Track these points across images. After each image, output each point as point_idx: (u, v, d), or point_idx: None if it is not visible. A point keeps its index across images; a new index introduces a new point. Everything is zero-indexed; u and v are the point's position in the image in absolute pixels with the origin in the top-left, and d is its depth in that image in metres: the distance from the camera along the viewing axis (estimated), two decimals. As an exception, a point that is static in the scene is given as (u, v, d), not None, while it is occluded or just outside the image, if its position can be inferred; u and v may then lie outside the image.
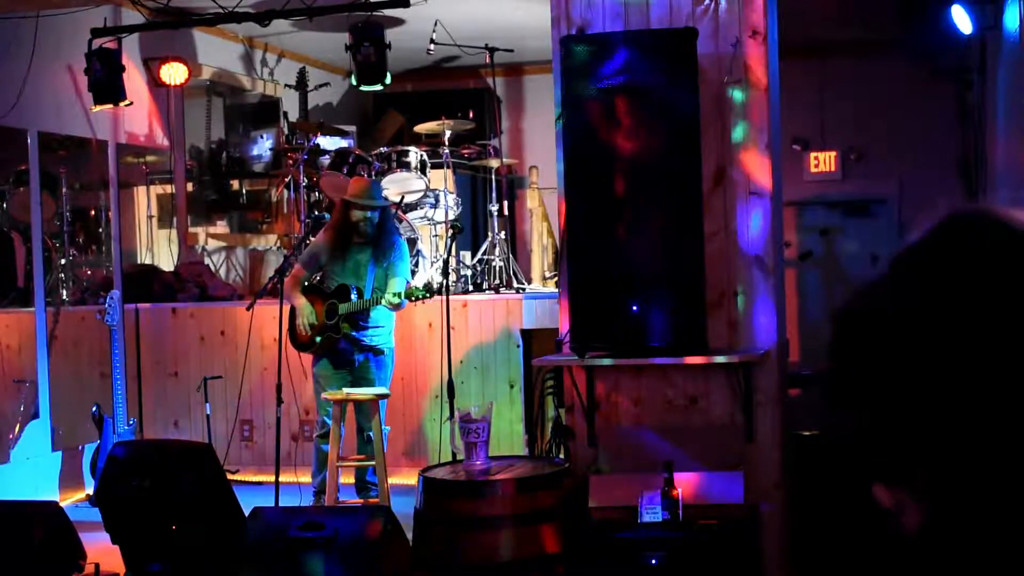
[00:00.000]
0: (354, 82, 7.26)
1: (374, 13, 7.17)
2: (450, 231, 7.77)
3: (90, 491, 7.26)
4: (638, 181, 5.18)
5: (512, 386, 7.72)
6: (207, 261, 9.50)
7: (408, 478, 7.23)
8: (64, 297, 8.00)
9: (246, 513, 5.04)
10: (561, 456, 5.69)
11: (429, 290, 6.60)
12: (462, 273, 8.58)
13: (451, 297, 6.79)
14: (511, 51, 9.70)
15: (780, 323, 5.47)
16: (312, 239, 6.80)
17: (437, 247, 8.86)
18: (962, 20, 7.10)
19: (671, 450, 5.15)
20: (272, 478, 6.34)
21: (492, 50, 9.45)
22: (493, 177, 9.25)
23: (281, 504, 6.20)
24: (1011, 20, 6.72)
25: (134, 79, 8.33)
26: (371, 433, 6.59)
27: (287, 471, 6.66)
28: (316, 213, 8.52)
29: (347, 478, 6.96)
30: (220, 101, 10.02)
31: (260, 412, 7.84)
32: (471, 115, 10.16)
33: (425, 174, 8.80)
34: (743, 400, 5.28)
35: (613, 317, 5.19)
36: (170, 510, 5.15)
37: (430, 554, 4.91)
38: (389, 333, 6.84)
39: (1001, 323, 1.13)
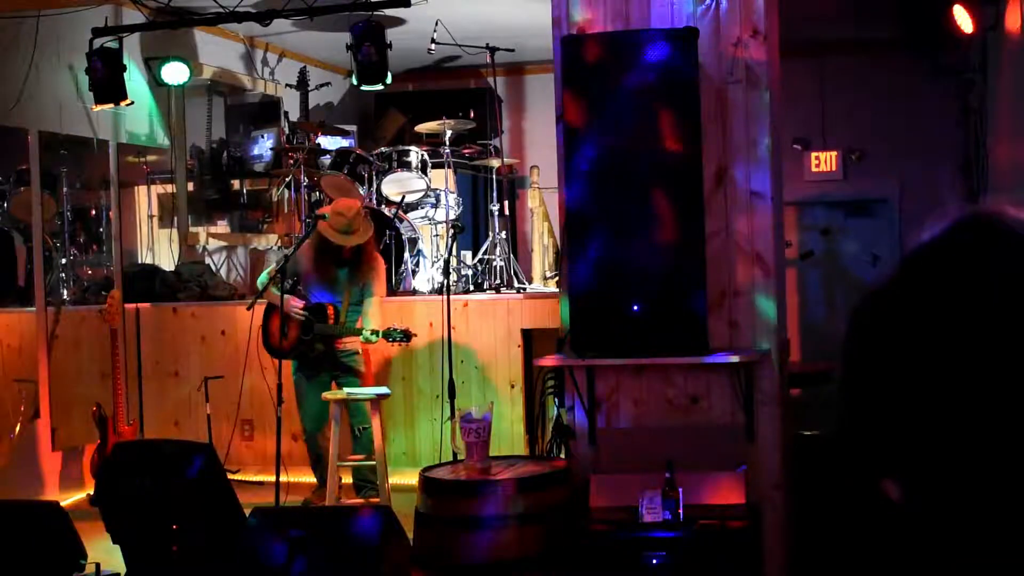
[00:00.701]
0: (355, 82, 7.26)
1: (375, 13, 7.17)
2: (451, 231, 7.78)
3: (90, 491, 7.26)
4: (639, 181, 5.18)
5: (513, 386, 7.72)
6: (208, 261, 9.50)
7: (408, 478, 7.23)
8: (65, 297, 8.00)
9: (246, 513, 5.04)
10: (562, 456, 5.69)
11: (407, 336, 6.62)
12: (463, 273, 8.58)
13: (451, 297, 6.80)
14: (512, 51, 9.70)
15: (781, 323, 5.47)
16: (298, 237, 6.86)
17: (438, 247, 8.87)
18: (963, 20, 7.10)
19: (672, 450, 5.15)
20: (273, 477, 6.33)
21: (493, 50, 9.45)
22: (494, 177, 9.25)
23: (281, 504, 6.20)
24: (1012, 20, 6.71)
25: (135, 79, 8.34)
26: (365, 427, 6.64)
27: (287, 471, 6.66)
28: (316, 213, 8.51)
29: (347, 478, 6.97)
30: (221, 101, 10.02)
31: (260, 412, 7.83)
32: (472, 115, 10.16)
33: (426, 174, 8.80)
34: (744, 400, 5.28)
35: (614, 317, 5.19)
36: (170, 510, 5.14)
37: (431, 554, 4.91)
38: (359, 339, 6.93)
39: (1015, 324, 1.13)
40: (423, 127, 9.35)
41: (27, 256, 7.61)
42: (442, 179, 8.90)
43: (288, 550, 4.70)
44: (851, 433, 1.25)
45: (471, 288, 8.49)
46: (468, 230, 9.68)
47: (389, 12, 7.61)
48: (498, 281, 8.59)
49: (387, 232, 8.17)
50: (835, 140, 10.50)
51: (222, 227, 10.09)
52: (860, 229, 10.62)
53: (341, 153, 8.76)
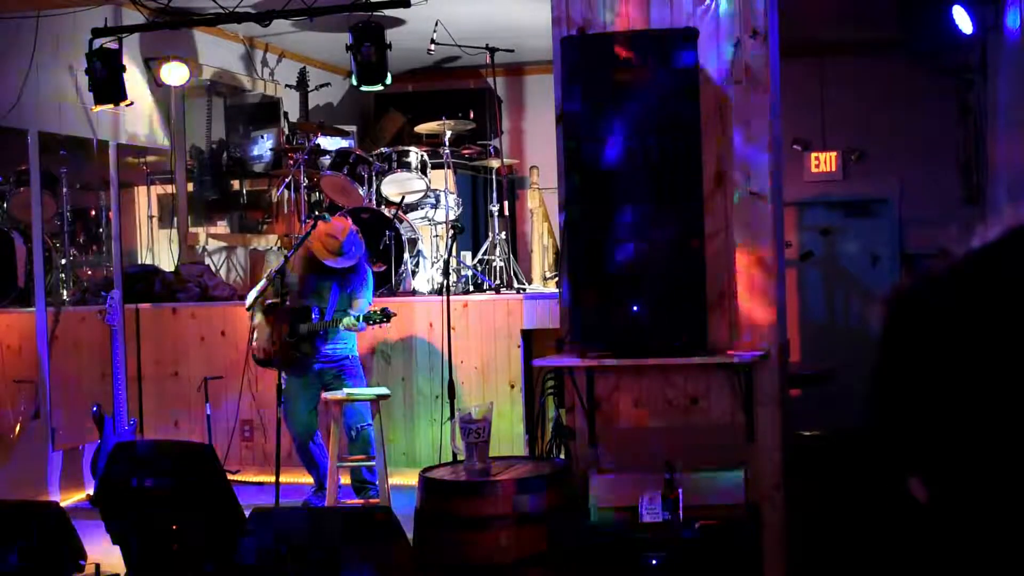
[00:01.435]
0: (355, 82, 7.26)
1: (375, 13, 7.16)
2: (451, 231, 7.79)
3: (90, 491, 7.26)
4: (639, 181, 5.18)
5: (512, 386, 7.72)
6: (207, 261, 9.50)
7: (408, 478, 7.23)
8: (64, 297, 7.99)
9: (246, 513, 5.04)
10: (562, 456, 5.69)
11: (387, 315, 6.63)
12: (463, 273, 8.58)
13: (451, 297, 6.80)
14: (512, 51, 9.70)
15: (781, 323, 5.47)
16: (287, 254, 6.88)
17: (438, 247, 8.87)
18: (963, 20, 7.10)
19: (672, 450, 5.15)
20: (272, 478, 6.34)
21: (493, 50, 9.45)
22: (494, 177, 9.25)
23: (281, 504, 6.20)
24: (1012, 20, 6.71)
25: (135, 79, 8.34)
26: (360, 427, 6.65)
27: (287, 471, 6.66)
28: (316, 213, 8.51)
29: (346, 478, 6.98)
30: (221, 101, 10.02)
31: (260, 412, 7.83)
32: (472, 115, 10.16)
33: (426, 174, 8.80)
34: (744, 400, 5.28)
35: (614, 317, 5.19)
36: (170, 510, 5.14)
37: (431, 554, 4.91)
38: (352, 347, 6.93)
39: None
40: (423, 127, 9.35)
41: (27, 256, 7.61)
42: (442, 180, 8.90)
43: (287, 551, 4.70)
44: (882, 431, 1.25)
45: (471, 289, 8.49)
46: (468, 231, 9.68)
47: (389, 13, 7.60)
48: (498, 281, 8.59)
49: (387, 233, 8.17)
50: (835, 140, 10.49)
51: (222, 227, 10.09)
52: (860, 229, 10.61)
53: (341, 153, 8.76)
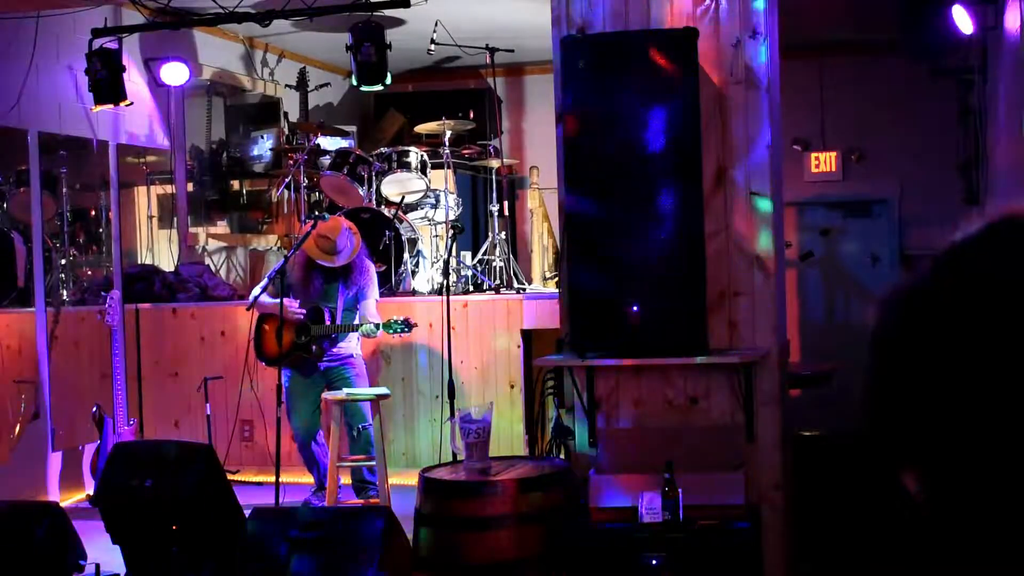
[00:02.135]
0: (354, 82, 7.26)
1: (375, 13, 7.16)
2: (450, 231, 7.79)
3: (90, 491, 7.26)
4: (639, 181, 5.18)
5: (512, 386, 7.72)
6: (207, 261, 9.50)
7: (408, 478, 7.24)
8: (64, 297, 7.99)
9: (246, 513, 5.04)
10: (561, 456, 5.69)
11: (408, 325, 6.67)
12: (463, 273, 8.58)
13: (451, 297, 6.80)
14: (511, 51, 9.71)
15: (780, 323, 5.47)
16: (287, 254, 6.88)
17: (437, 247, 8.87)
18: (963, 20, 7.10)
19: (671, 450, 5.15)
20: (272, 478, 6.34)
21: (492, 50, 9.45)
22: (493, 177, 9.25)
23: (281, 504, 6.20)
24: (1012, 20, 6.71)
25: (134, 79, 8.34)
26: (362, 427, 6.66)
27: (287, 471, 6.66)
28: (316, 213, 8.52)
29: (347, 478, 6.98)
30: (220, 101, 10.02)
31: (260, 412, 7.83)
32: (471, 115, 10.16)
33: (425, 174, 8.80)
34: (743, 400, 5.28)
35: (614, 317, 5.19)
36: (170, 510, 5.14)
37: (430, 554, 4.91)
38: (356, 344, 6.96)
39: None
40: (423, 128, 9.35)
41: (27, 256, 7.61)
42: (442, 180, 8.90)
43: (287, 551, 4.70)
44: (879, 426, 1.25)
45: (471, 289, 8.49)
46: (468, 231, 9.68)
47: (389, 13, 7.60)
48: (498, 281, 8.59)
49: (387, 233, 8.17)
50: (835, 141, 10.50)
51: (222, 228, 10.09)
52: (860, 230, 10.62)
53: (341, 154, 8.76)
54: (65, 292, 8.03)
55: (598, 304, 5.22)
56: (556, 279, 8.11)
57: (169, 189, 9.31)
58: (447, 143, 8.93)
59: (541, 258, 10.00)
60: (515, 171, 10.63)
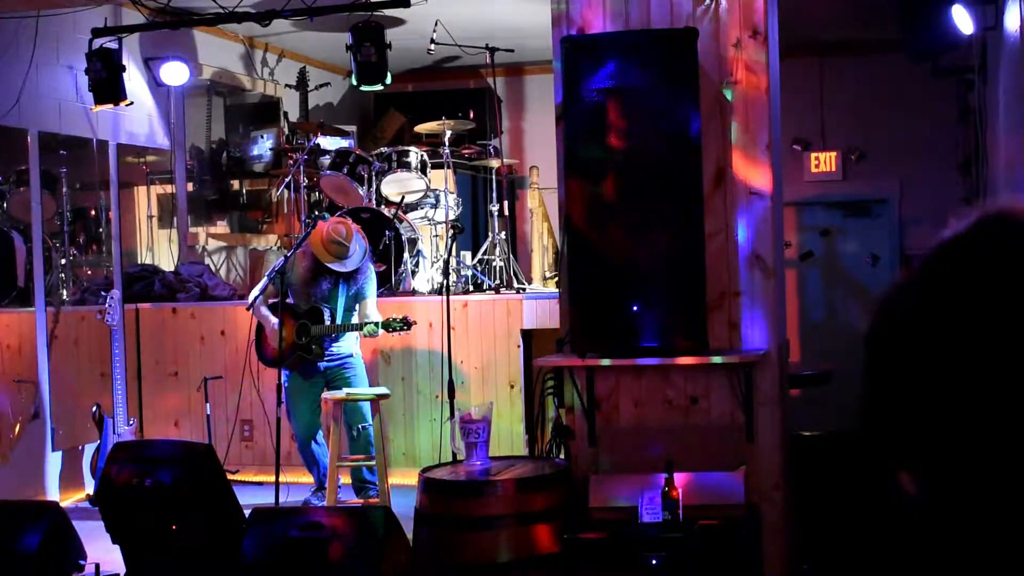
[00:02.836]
0: (354, 82, 7.26)
1: (375, 13, 7.16)
2: (450, 231, 7.79)
3: (90, 491, 7.26)
4: (639, 181, 5.17)
5: (512, 386, 7.72)
6: (207, 261, 9.50)
7: (408, 478, 7.23)
8: (64, 297, 7.99)
9: (246, 513, 5.04)
10: (561, 456, 5.69)
11: (407, 323, 6.68)
12: (463, 273, 8.58)
13: (451, 297, 6.81)
14: (511, 51, 9.70)
15: (780, 323, 5.47)
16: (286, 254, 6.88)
17: (437, 247, 8.87)
18: (963, 20, 7.09)
19: (671, 450, 5.15)
20: (272, 478, 6.34)
21: (492, 50, 9.45)
22: (493, 177, 9.25)
23: (281, 504, 6.20)
24: (1012, 20, 6.71)
25: (134, 79, 8.34)
26: (362, 427, 6.67)
27: (287, 471, 6.66)
28: (316, 213, 8.52)
29: (346, 478, 6.98)
30: (220, 101, 10.02)
31: (260, 412, 7.83)
32: (471, 115, 10.16)
33: (425, 174, 8.80)
34: (743, 400, 5.28)
35: (614, 317, 5.19)
36: (170, 510, 5.14)
37: (430, 554, 4.91)
38: (355, 343, 6.96)
39: None
40: (423, 127, 9.35)
41: (27, 256, 7.61)
42: (442, 179, 8.90)
43: (287, 551, 4.70)
44: (871, 426, 1.25)
45: (470, 288, 8.49)
46: (468, 230, 9.68)
47: (389, 12, 7.60)
48: (498, 281, 8.59)
49: (387, 232, 8.17)
50: (835, 140, 10.50)
51: (222, 227, 10.09)
52: (860, 229, 10.62)
53: (341, 153, 8.76)
54: (65, 292, 8.03)
55: (598, 304, 5.22)
56: (556, 279, 8.11)
57: (169, 189, 9.31)
58: (447, 143, 8.93)
59: (541, 258, 10.00)
60: (515, 171, 10.63)
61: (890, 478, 1.24)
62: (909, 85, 9.87)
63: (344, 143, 9.38)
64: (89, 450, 7.44)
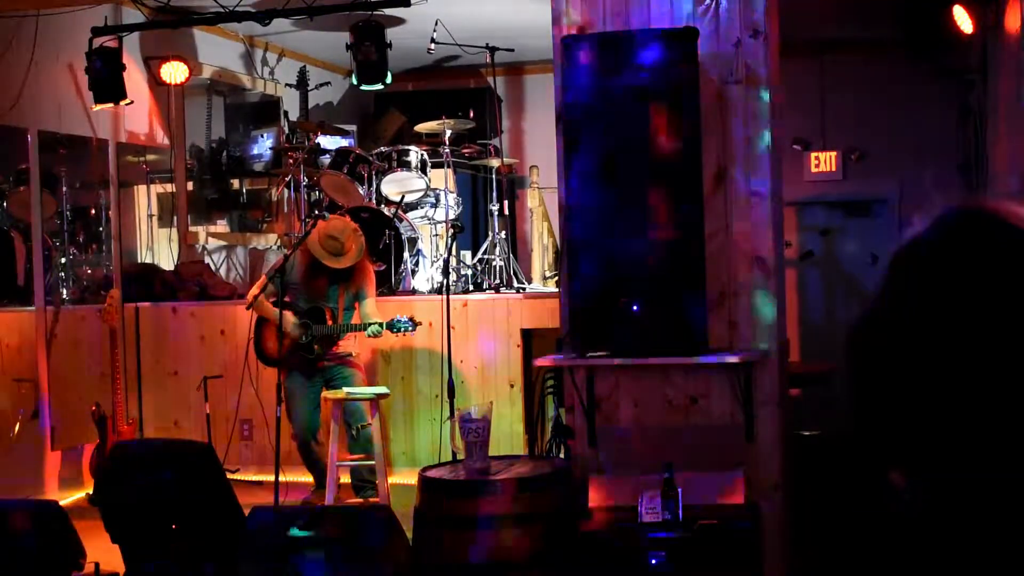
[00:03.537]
0: (355, 81, 7.26)
1: (375, 12, 7.16)
2: (450, 230, 7.79)
3: (90, 490, 7.26)
4: (639, 181, 5.17)
5: (512, 386, 7.71)
6: (207, 260, 9.50)
7: (408, 477, 7.23)
8: (64, 296, 7.99)
9: (246, 513, 5.04)
10: (561, 456, 5.69)
11: (413, 323, 6.68)
12: (462, 273, 8.58)
13: (451, 297, 6.81)
14: (512, 50, 9.70)
15: (780, 323, 5.47)
16: (286, 252, 6.89)
17: (437, 247, 8.87)
18: (963, 20, 7.10)
19: (671, 450, 5.15)
20: (272, 477, 6.34)
21: (493, 49, 9.45)
22: (493, 176, 9.25)
23: (281, 503, 6.20)
24: (1012, 20, 6.71)
25: (134, 78, 8.33)
26: (362, 426, 6.67)
27: (287, 470, 6.66)
28: (316, 212, 8.52)
29: (346, 477, 6.98)
30: (220, 100, 10.02)
31: (260, 411, 7.83)
32: (471, 114, 10.15)
33: (425, 173, 8.80)
34: (743, 400, 5.28)
35: (613, 317, 5.18)
36: (170, 510, 5.14)
37: (430, 554, 4.91)
38: (353, 342, 6.96)
39: (1000, 319, 1.14)
40: (423, 127, 9.35)
41: (27, 255, 7.61)
42: (442, 179, 8.90)
43: (287, 550, 4.70)
44: (860, 428, 1.26)
45: (470, 288, 8.49)
46: (468, 230, 9.68)
47: (389, 12, 7.60)
48: (498, 281, 8.58)
49: (387, 232, 8.17)
50: (835, 140, 10.50)
51: (221, 226, 10.09)
52: (860, 229, 10.62)
53: (341, 153, 8.76)
54: (65, 291, 8.03)
55: (598, 303, 5.22)
56: (556, 278, 8.12)
57: (169, 188, 9.31)
58: (447, 142, 8.93)
59: (541, 257, 10.00)
60: (515, 170, 10.62)
61: (883, 477, 1.24)
62: (909, 85, 9.86)
63: (344, 142, 9.38)
64: (89, 449, 7.44)
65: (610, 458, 5.37)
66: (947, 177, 9.34)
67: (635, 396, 5.44)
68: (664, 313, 5.15)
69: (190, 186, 9.56)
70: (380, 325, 6.66)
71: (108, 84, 7.34)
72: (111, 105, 7.48)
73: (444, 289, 6.88)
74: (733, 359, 5.20)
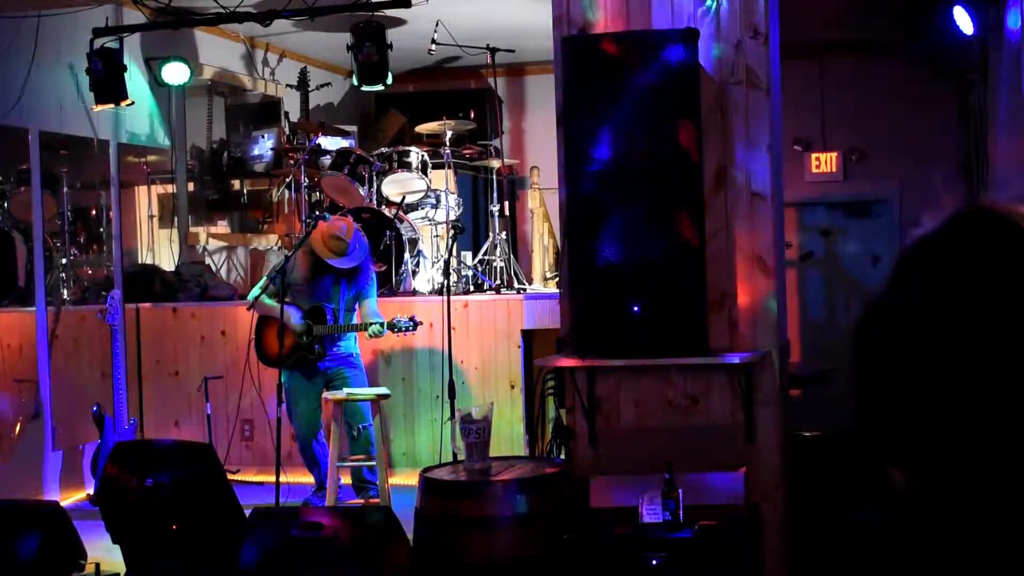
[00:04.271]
0: (355, 82, 7.27)
1: (376, 13, 7.17)
2: (451, 231, 7.79)
3: (91, 491, 7.26)
4: (639, 181, 5.17)
5: (513, 386, 7.72)
6: (208, 261, 9.51)
7: (408, 478, 7.24)
8: (65, 296, 8.00)
9: (247, 513, 5.04)
10: (562, 457, 5.69)
11: (415, 323, 6.69)
12: (463, 274, 8.58)
13: (452, 297, 6.81)
14: (512, 51, 9.71)
15: (781, 324, 5.47)
16: (287, 253, 6.89)
17: (438, 247, 8.87)
18: (963, 21, 7.10)
19: (672, 451, 5.14)
20: (272, 478, 6.34)
21: (493, 50, 9.45)
22: (494, 177, 9.25)
23: (282, 504, 6.20)
24: (1013, 21, 6.71)
25: (135, 79, 8.34)
26: (362, 427, 6.67)
27: (288, 471, 6.67)
28: (317, 213, 8.51)
29: (347, 478, 6.98)
30: (221, 101, 10.02)
31: (260, 412, 7.84)
32: (472, 115, 10.17)
33: (426, 174, 8.80)
34: (744, 400, 5.28)
35: (614, 317, 5.18)
36: (170, 510, 5.14)
37: (431, 554, 4.91)
38: (354, 344, 6.96)
39: (1005, 319, 1.14)
40: (423, 128, 9.35)
41: (27, 256, 7.61)
42: (442, 180, 8.90)
43: (288, 551, 4.70)
44: (862, 423, 1.26)
45: (471, 289, 8.49)
46: (468, 231, 9.68)
47: (390, 13, 7.60)
48: (498, 282, 8.59)
49: (387, 233, 8.17)
50: (835, 141, 10.49)
51: (222, 227, 10.09)
52: (860, 230, 10.61)
53: (341, 153, 8.76)
54: (66, 291, 8.03)
55: (598, 304, 5.22)
56: (556, 279, 8.11)
57: (170, 188, 9.32)
58: (448, 143, 8.93)
59: (541, 258, 10.00)
60: (515, 171, 10.63)
61: (882, 475, 1.25)
62: (910, 86, 9.86)
63: (345, 143, 9.38)
64: (89, 450, 7.44)
65: (611, 459, 5.37)
66: (948, 177, 9.34)
67: (636, 397, 5.44)
68: (665, 314, 5.15)
69: (191, 187, 9.56)
70: (381, 325, 6.66)
71: (109, 85, 7.34)
72: (112, 106, 7.49)
73: (445, 290, 6.88)
74: (734, 360, 5.20)
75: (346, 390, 6.73)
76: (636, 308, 5.14)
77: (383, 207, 8.55)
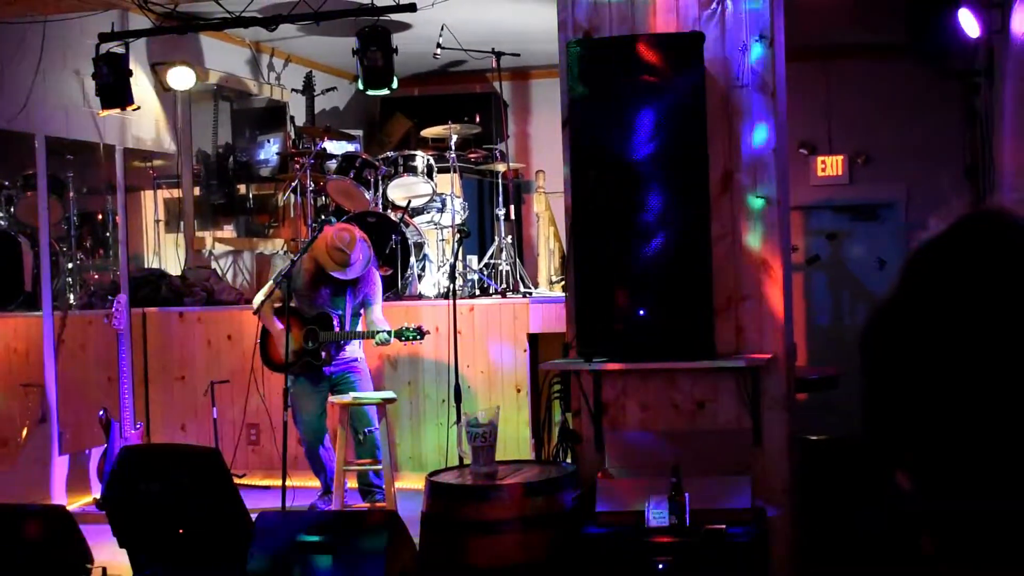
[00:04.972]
0: (361, 86, 7.26)
1: (381, 17, 7.17)
2: (457, 235, 7.80)
3: (97, 495, 7.26)
4: (645, 185, 5.17)
5: (519, 390, 7.71)
6: (214, 265, 9.52)
7: (415, 482, 7.24)
8: (71, 301, 8.01)
9: (253, 517, 5.04)
10: (568, 460, 5.69)
11: (421, 332, 6.68)
12: (468, 277, 8.58)
13: (457, 301, 6.81)
14: (518, 55, 9.71)
15: (787, 327, 5.46)
16: (293, 258, 6.89)
17: (444, 251, 8.87)
18: (969, 23, 7.09)
19: (678, 454, 5.14)
20: (279, 482, 6.34)
21: (499, 54, 9.46)
22: (500, 181, 9.26)
23: (288, 508, 6.21)
24: (1019, 23, 6.70)
25: (141, 84, 8.35)
26: (368, 431, 6.67)
27: (294, 475, 6.67)
28: (323, 217, 8.52)
29: (353, 482, 6.98)
30: (227, 105, 10.04)
31: (267, 416, 7.84)
32: (478, 119, 10.17)
33: (432, 178, 8.80)
34: (751, 404, 5.27)
35: (620, 321, 5.18)
36: (177, 514, 5.15)
37: (437, 558, 4.91)
38: (359, 348, 6.97)
39: (1011, 320, 1.14)
40: (429, 132, 9.35)
41: (34, 261, 7.62)
42: (448, 184, 8.90)
43: (294, 555, 4.70)
44: (870, 424, 1.26)
45: (477, 292, 8.49)
46: (474, 235, 9.69)
47: (395, 17, 7.61)
48: (504, 285, 8.58)
49: (393, 237, 8.18)
50: (841, 144, 10.49)
51: (228, 232, 10.10)
52: (866, 233, 10.61)
53: (347, 158, 8.77)
54: (72, 296, 8.04)
55: (604, 308, 5.22)
56: (562, 283, 8.11)
57: (176, 193, 9.33)
58: (453, 147, 8.94)
59: (547, 262, 10.00)
60: (521, 175, 10.63)
61: (890, 479, 1.25)
62: (916, 89, 9.86)
63: (350, 147, 9.39)
64: (96, 454, 7.45)
65: (617, 462, 5.37)
66: (954, 180, 9.33)
67: (642, 400, 5.43)
68: (671, 317, 5.15)
69: (197, 191, 9.57)
70: (389, 333, 6.65)
71: (115, 90, 7.35)
72: (118, 111, 7.50)
73: (451, 294, 6.88)
74: (740, 363, 5.20)
75: (352, 394, 6.73)
76: (642, 312, 5.14)
77: (389, 211, 8.55)
